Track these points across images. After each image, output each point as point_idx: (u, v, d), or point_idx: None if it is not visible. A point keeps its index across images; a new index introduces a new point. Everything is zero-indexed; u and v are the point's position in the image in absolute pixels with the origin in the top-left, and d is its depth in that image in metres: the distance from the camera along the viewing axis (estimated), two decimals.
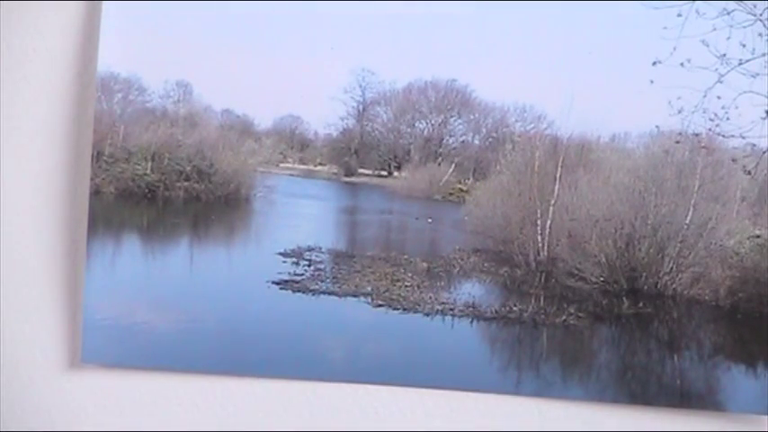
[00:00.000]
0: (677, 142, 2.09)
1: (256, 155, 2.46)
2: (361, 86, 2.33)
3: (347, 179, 2.62)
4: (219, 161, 2.46)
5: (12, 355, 1.79)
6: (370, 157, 2.61)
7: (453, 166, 2.54)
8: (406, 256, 2.26)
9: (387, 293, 2.12)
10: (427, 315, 2.09)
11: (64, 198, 1.80)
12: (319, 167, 2.65)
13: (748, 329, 2.05)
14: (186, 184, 2.40)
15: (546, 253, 2.26)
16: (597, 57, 1.95)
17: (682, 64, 1.85)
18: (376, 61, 2.11)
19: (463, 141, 2.54)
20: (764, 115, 1.88)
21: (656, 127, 2.07)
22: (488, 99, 2.39)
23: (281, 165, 2.58)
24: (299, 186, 2.60)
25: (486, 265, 2.29)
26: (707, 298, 2.15)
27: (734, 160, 2.05)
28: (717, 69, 1.87)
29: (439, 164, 2.55)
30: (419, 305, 2.10)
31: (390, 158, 2.61)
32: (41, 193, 1.79)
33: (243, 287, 2.16)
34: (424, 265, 2.26)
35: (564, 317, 2.07)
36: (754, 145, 1.95)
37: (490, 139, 2.47)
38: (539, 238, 2.27)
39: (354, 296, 2.11)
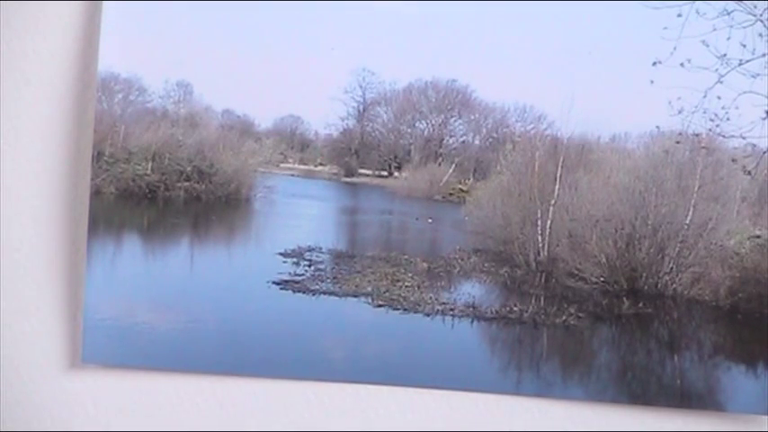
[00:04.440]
0: (677, 142, 2.09)
1: (257, 155, 2.46)
2: (361, 87, 2.34)
3: (347, 179, 2.62)
4: (220, 161, 2.46)
5: (12, 355, 1.79)
6: (370, 157, 2.61)
7: (453, 166, 2.54)
8: (406, 257, 2.26)
9: (387, 294, 2.12)
10: (427, 315, 2.09)
11: (64, 198, 1.80)
12: (320, 168, 2.65)
13: (748, 329, 2.05)
14: (187, 184, 2.41)
15: (546, 253, 2.26)
16: (597, 57, 1.95)
17: (682, 64, 1.85)
18: (376, 61, 2.12)
19: (463, 141, 2.54)
20: (764, 115, 1.87)
21: (657, 127, 2.07)
22: (488, 99, 2.40)
23: (282, 165, 2.58)
24: (300, 186, 2.60)
25: (486, 265, 2.29)
26: (707, 298, 2.15)
27: (734, 160, 2.05)
28: (717, 69, 1.87)
29: (439, 164, 2.55)
30: (419, 305, 2.10)
31: (391, 159, 2.61)
32: (41, 193, 1.79)
33: (243, 287, 2.16)
34: (425, 265, 2.26)
35: (564, 317, 2.07)
36: (755, 145, 1.94)
37: (490, 140, 2.47)
38: (539, 238, 2.27)
39: (355, 296, 2.11)
